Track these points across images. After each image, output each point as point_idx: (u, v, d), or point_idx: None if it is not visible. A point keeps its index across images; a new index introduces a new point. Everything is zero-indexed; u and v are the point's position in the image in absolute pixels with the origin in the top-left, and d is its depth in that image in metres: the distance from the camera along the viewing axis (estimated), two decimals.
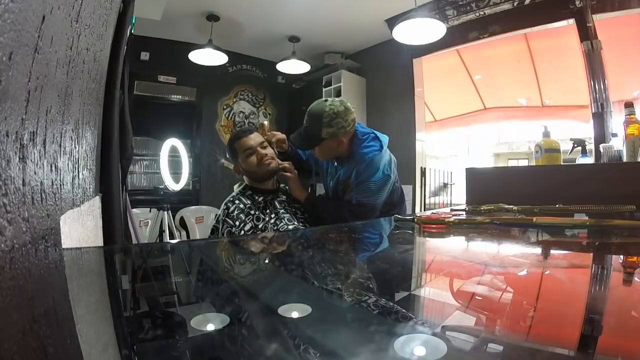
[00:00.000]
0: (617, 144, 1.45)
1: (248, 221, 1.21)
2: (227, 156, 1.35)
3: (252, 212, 1.23)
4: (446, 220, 0.69)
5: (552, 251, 0.55)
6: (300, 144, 1.30)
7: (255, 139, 1.26)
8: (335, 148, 1.24)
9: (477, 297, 0.32)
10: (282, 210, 1.26)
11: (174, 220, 2.56)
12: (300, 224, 1.26)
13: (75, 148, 0.50)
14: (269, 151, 1.27)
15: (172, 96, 3.69)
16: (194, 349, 0.24)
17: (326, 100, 1.23)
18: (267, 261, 0.54)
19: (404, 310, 0.28)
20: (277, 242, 0.70)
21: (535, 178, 1.24)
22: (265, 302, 0.33)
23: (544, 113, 4.52)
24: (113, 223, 0.78)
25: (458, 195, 3.87)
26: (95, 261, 0.48)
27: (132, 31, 1.10)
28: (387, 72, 3.58)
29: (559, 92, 4.20)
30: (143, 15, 2.51)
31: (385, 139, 1.27)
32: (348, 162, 1.26)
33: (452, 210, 1.01)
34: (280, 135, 1.38)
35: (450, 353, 0.19)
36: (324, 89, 3.74)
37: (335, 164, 1.34)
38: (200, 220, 2.88)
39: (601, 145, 1.52)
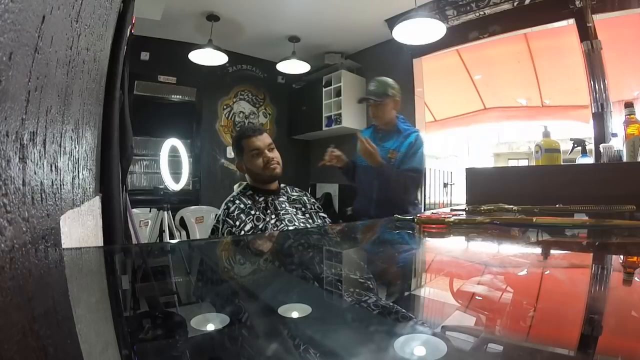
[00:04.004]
0: (617, 144, 1.45)
1: (248, 221, 1.21)
2: (232, 151, 1.37)
3: (253, 212, 1.23)
4: (446, 220, 0.69)
5: (552, 251, 0.55)
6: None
7: (264, 140, 1.26)
8: (389, 111, 1.73)
9: (477, 297, 0.32)
10: (283, 211, 1.26)
11: (174, 220, 2.57)
12: (301, 225, 1.26)
13: (75, 148, 0.50)
14: (276, 155, 1.27)
15: (172, 96, 3.69)
16: (194, 349, 0.24)
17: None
18: (267, 261, 0.54)
19: (404, 310, 0.28)
20: (277, 242, 0.70)
21: (535, 178, 1.24)
22: (265, 302, 0.33)
23: (544, 113, 4.52)
24: (113, 223, 0.78)
25: (458, 195, 3.86)
26: (95, 261, 0.48)
27: (133, 31, 1.09)
28: (387, 72, 3.53)
29: (559, 92, 4.20)
30: (143, 15, 2.51)
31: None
32: (392, 135, 1.73)
33: (452, 210, 1.01)
34: (339, 153, 1.73)
35: (450, 353, 0.19)
36: (323, 89, 3.73)
37: (379, 142, 1.74)
38: (200, 220, 2.89)
39: (601, 145, 1.52)
